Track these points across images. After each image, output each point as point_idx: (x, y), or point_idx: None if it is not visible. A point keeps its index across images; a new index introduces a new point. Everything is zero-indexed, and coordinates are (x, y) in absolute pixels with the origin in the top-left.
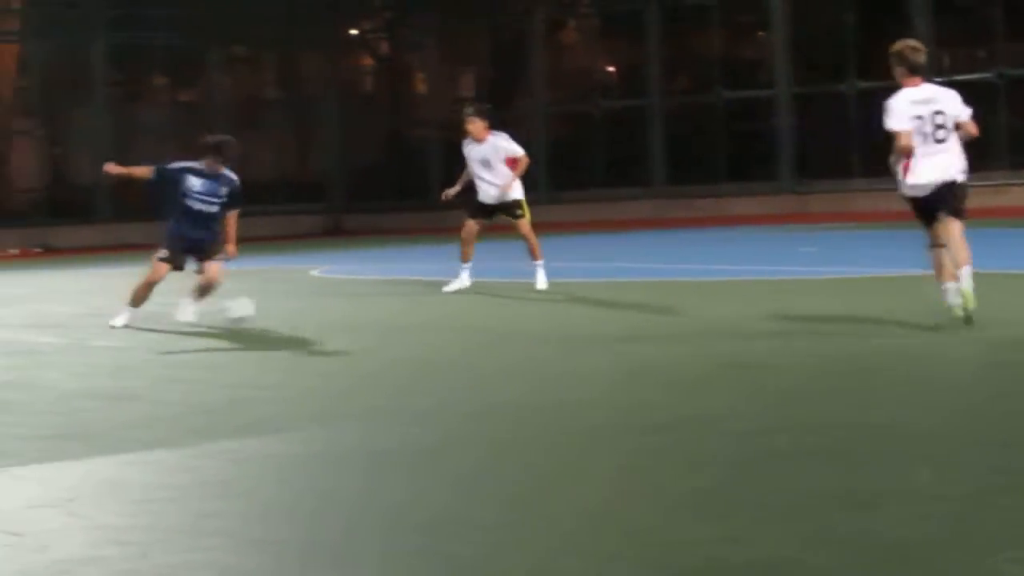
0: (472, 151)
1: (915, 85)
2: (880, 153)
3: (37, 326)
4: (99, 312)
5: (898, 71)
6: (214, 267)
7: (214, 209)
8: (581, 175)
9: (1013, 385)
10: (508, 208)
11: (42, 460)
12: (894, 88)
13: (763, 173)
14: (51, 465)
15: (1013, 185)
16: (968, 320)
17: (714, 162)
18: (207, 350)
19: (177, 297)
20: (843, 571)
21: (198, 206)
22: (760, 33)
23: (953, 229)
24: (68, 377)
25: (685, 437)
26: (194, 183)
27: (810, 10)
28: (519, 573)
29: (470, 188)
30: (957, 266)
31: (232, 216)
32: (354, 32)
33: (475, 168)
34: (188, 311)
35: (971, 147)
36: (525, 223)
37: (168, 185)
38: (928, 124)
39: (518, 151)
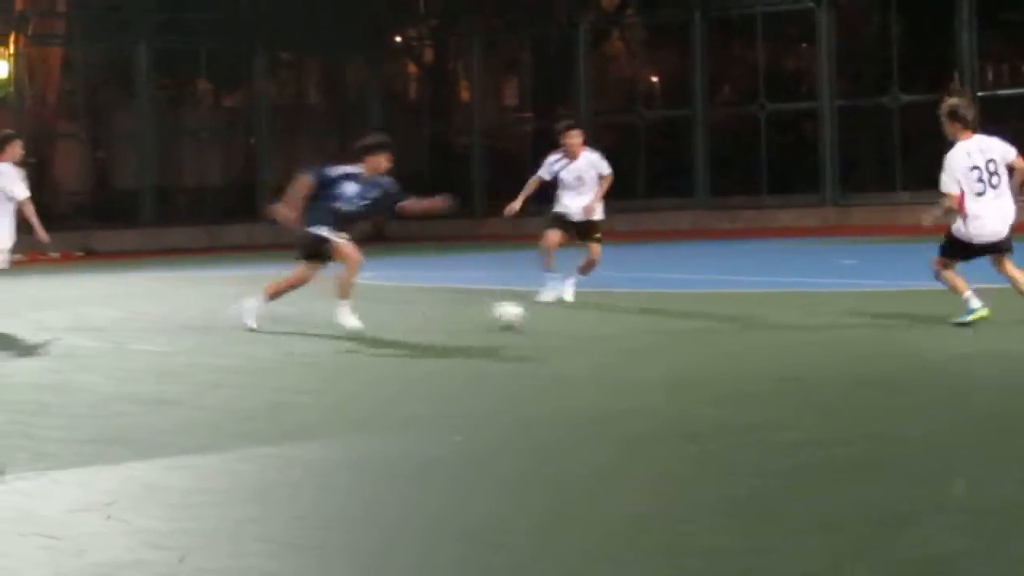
0: (565, 167)
1: (968, 138)
2: (922, 167)
3: (78, 329)
4: (141, 316)
5: (954, 127)
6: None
7: (361, 211)
8: (624, 185)
9: None
10: (587, 230)
11: (81, 464)
12: (937, 102)
13: (806, 185)
14: (90, 469)
15: None
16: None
17: (757, 174)
18: (249, 356)
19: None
20: None
21: (346, 208)
22: (804, 45)
23: (1009, 266)
24: (108, 381)
25: (724, 447)
26: (350, 188)
27: (855, 23)
28: None
29: (540, 199)
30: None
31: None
32: (398, 39)
33: (566, 184)
34: (350, 317)
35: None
36: (598, 248)
37: (320, 188)
38: (985, 173)
39: (608, 169)
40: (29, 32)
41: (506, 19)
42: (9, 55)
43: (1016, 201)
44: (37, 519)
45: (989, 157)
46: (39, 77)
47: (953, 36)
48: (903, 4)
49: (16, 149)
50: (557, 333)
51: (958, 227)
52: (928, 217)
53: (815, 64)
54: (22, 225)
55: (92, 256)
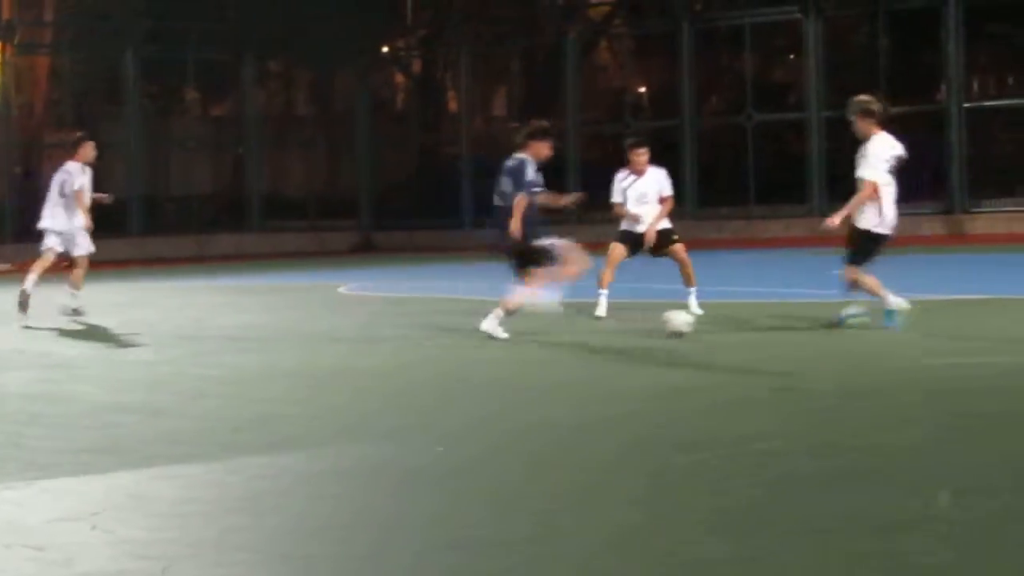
0: (631, 183)
1: (879, 134)
2: (910, 177)
3: (70, 338)
4: (129, 326)
5: (867, 123)
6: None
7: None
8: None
9: None
10: (662, 241)
11: (70, 474)
12: (926, 114)
13: (793, 195)
14: (78, 479)
15: None
16: None
17: (744, 184)
18: (236, 366)
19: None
20: None
21: (536, 197)
22: (792, 56)
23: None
24: (100, 390)
25: (715, 457)
26: (537, 177)
27: (843, 34)
28: None
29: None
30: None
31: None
32: (387, 50)
33: (630, 201)
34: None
35: (1001, 173)
36: (681, 248)
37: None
38: (892, 167)
39: (670, 191)
40: (16, 41)
41: (494, 29)
42: None
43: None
44: (23, 529)
45: (897, 153)
46: (26, 86)
47: (940, 47)
48: (890, 15)
49: (88, 151)
50: (547, 342)
51: (872, 221)
52: (837, 218)
53: (803, 75)
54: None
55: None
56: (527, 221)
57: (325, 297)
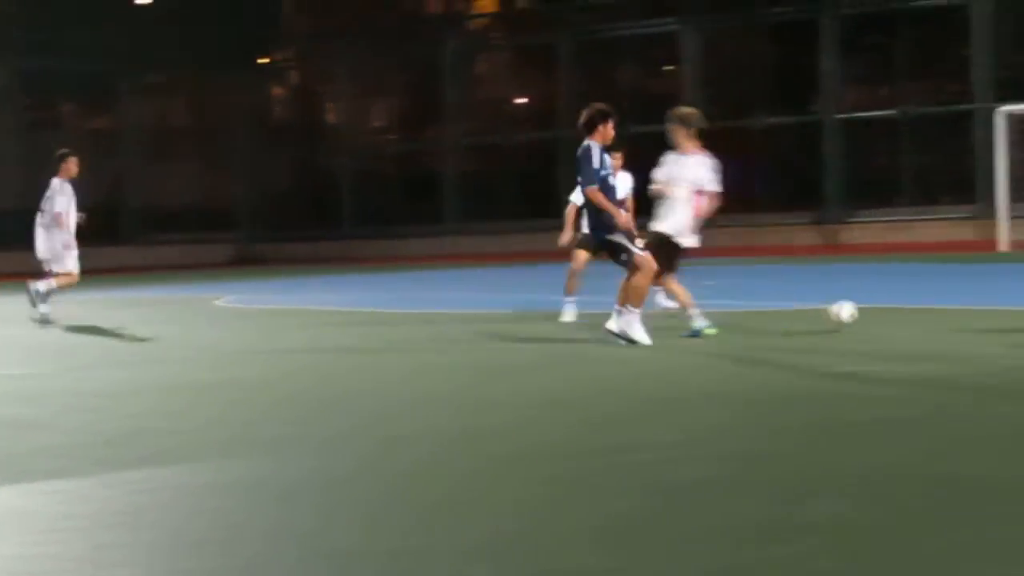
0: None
1: (697, 146)
2: (785, 190)
3: None
4: (2, 339)
5: (687, 133)
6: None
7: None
8: (491, 206)
9: (930, 418)
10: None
11: None
12: (807, 124)
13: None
14: None
15: (916, 221)
16: None
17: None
18: (110, 379)
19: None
20: None
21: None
22: (670, 67)
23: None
24: None
25: (593, 467)
26: (603, 165)
27: (722, 47)
28: None
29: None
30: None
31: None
32: (266, 61)
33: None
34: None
35: (874, 183)
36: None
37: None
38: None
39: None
40: None
41: (373, 42)
42: None
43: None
44: None
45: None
46: None
47: (818, 59)
48: (768, 28)
49: (72, 167)
50: (420, 353)
51: (673, 228)
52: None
53: (680, 86)
54: None
55: None
56: (593, 213)
57: (202, 310)
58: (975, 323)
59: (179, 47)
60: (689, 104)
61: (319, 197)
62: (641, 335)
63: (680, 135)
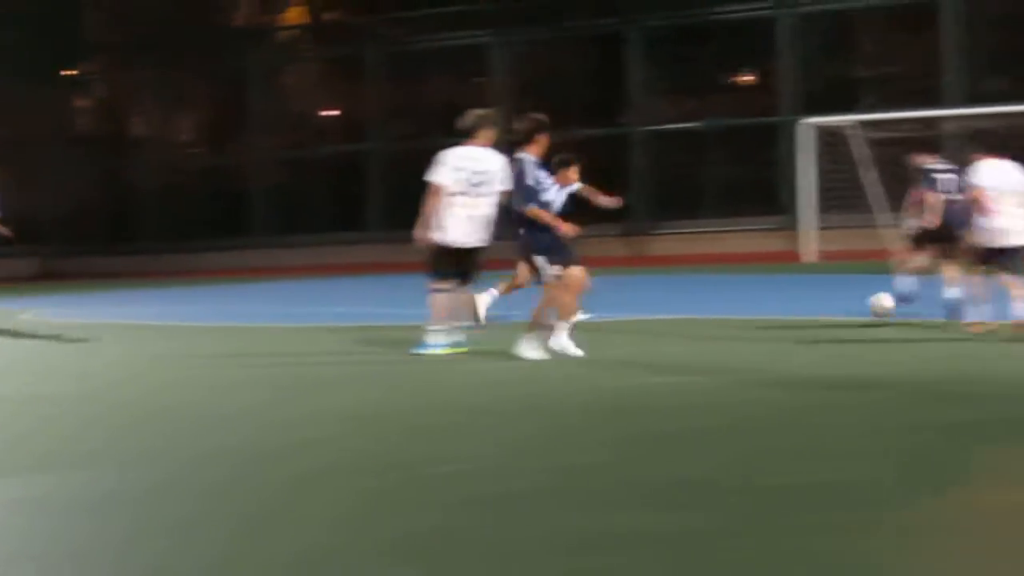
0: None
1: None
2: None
3: None
4: None
5: (489, 133)
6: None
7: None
8: (300, 219)
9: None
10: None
11: None
12: (615, 136)
13: None
14: None
15: (723, 233)
16: None
17: None
18: None
19: None
20: None
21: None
22: (480, 79)
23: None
24: None
25: (402, 482)
26: (544, 180)
27: (531, 59)
28: None
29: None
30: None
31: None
32: (71, 73)
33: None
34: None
35: (681, 195)
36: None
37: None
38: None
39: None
40: None
41: (179, 55)
42: None
43: None
44: None
45: (478, 168)
46: None
47: (627, 71)
48: (576, 40)
49: None
50: (234, 368)
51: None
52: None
53: (490, 99)
54: None
55: None
56: (535, 228)
57: (5, 325)
58: (775, 332)
59: None
60: (501, 117)
61: (121, 211)
62: (558, 350)
63: (487, 136)
